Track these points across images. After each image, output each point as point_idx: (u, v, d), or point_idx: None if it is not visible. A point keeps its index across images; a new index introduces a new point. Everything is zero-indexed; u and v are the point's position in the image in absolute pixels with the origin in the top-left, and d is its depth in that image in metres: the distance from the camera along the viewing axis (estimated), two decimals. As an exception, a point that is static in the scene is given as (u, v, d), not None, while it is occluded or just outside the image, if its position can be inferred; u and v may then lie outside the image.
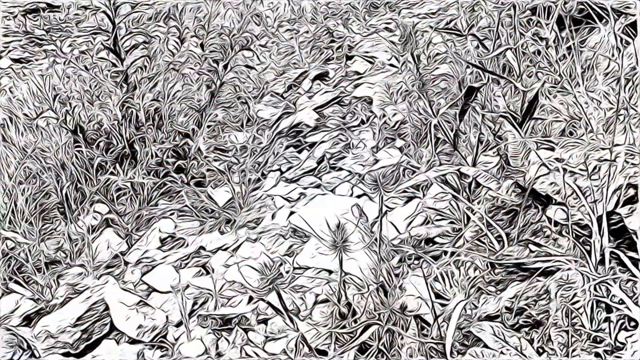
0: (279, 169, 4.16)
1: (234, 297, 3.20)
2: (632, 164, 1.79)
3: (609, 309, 1.64)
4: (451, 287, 2.34)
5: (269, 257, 3.33)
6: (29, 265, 3.43)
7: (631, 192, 1.76)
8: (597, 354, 1.61)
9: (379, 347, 2.16)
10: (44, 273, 3.41)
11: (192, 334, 2.94)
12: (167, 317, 3.08)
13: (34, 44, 8.52)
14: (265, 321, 2.96)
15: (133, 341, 3.00)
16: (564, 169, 1.90)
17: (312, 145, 4.29)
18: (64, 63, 5.75)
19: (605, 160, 1.86)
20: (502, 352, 1.76)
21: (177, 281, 3.42)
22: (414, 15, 6.77)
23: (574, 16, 3.32)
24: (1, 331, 3.09)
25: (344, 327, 2.19)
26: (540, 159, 1.99)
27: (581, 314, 1.65)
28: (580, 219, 1.88)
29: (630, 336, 1.60)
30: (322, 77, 5.61)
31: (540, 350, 1.78)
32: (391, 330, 2.18)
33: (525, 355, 1.74)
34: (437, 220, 3.07)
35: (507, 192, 2.37)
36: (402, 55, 4.80)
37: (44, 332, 2.95)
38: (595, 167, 1.87)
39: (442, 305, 2.25)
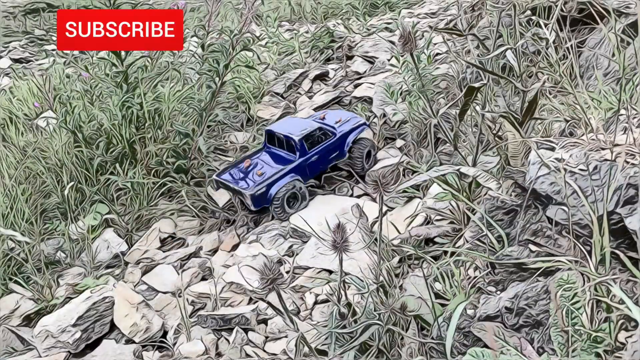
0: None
1: (234, 297, 3.20)
2: (632, 164, 1.78)
3: (609, 309, 1.64)
4: (451, 287, 2.34)
5: (269, 257, 3.33)
6: (29, 265, 3.43)
7: (631, 192, 1.75)
8: (597, 354, 1.60)
9: (379, 347, 2.16)
10: (44, 273, 3.40)
11: (191, 334, 2.94)
12: (162, 323, 3.08)
13: (34, 44, 8.52)
14: (265, 321, 2.96)
15: (129, 340, 3.00)
16: (564, 169, 1.89)
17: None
18: (64, 63, 5.75)
19: (605, 160, 1.85)
20: (502, 352, 1.76)
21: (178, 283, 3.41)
22: (414, 15, 6.77)
23: (574, 16, 3.32)
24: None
25: (344, 327, 2.19)
26: (541, 158, 1.99)
27: (581, 314, 1.64)
28: (580, 219, 1.87)
29: (630, 336, 1.60)
30: (322, 77, 5.61)
31: (540, 350, 1.77)
32: (391, 330, 2.18)
33: (525, 356, 1.74)
34: (437, 220, 3.07)
35: (507, 192, 2.37)
36: (402, 55, 4.80)
37: (44, 332, 2.95)
38: (595, 167, 1.86)
39: (442, 305, 2.25)
